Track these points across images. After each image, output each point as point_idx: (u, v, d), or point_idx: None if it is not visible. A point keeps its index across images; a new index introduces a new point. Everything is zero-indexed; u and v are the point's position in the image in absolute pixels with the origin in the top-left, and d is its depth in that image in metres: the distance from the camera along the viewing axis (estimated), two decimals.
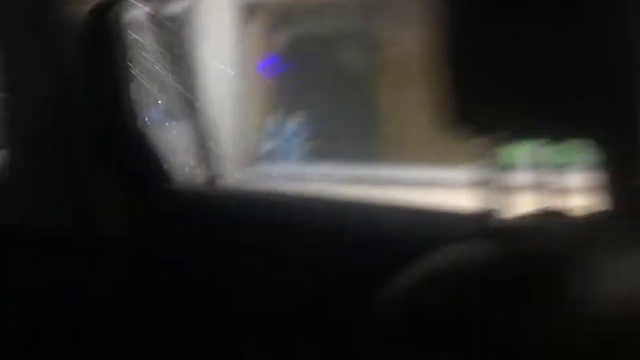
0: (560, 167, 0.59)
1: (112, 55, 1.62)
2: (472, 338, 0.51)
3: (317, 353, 1.20)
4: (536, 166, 0.60)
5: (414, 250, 0.59)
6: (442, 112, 0.57)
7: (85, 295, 1.59)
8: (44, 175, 1.66)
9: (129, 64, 1.66)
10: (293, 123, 4.89)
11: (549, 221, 0.59)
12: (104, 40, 1.60)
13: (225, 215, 1.49)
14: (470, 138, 0.58)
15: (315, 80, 4.95)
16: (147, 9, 1.65)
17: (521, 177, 0.61)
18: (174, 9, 2.39)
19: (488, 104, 0.56)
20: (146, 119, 1.79)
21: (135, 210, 1.59)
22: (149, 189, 1.60)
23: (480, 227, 0.59)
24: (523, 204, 0.60)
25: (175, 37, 1.86)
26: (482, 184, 0.59)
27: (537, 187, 0.60)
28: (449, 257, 0.57)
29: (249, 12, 4.88)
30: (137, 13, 1.73)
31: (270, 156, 4.83)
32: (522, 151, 0.59)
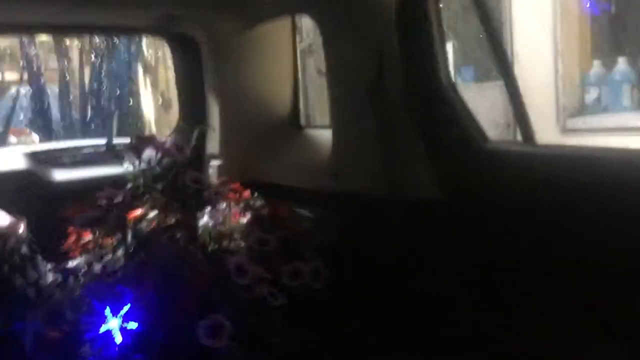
0: None
1: (423, 21, 1.67)
2: None
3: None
4: None
5: None
6: None
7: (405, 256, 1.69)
8: (366, 144, 1.80)
9: (440, 27, 1.69)
10: (622, 67, 4.40)
11: None
12: (413, 8, 1.66)
13: (541, 174, 1.45)
14: None
15: None
16: None
17: None
18: None
19: None
20: (458, 80, 1.82)
21: (450, 171, 1.64)
22: (463, 149, 1.63)
23: None
24: None
25: None
26: None
27: None
28: None
29: None
30: None
31: (596, 106, 4.43)
32: None
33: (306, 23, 2.34)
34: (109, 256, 1.54)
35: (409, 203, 1.71)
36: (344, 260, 1.89)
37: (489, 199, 1.56)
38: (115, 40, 6.15)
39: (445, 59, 1.71)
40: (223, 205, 1.82)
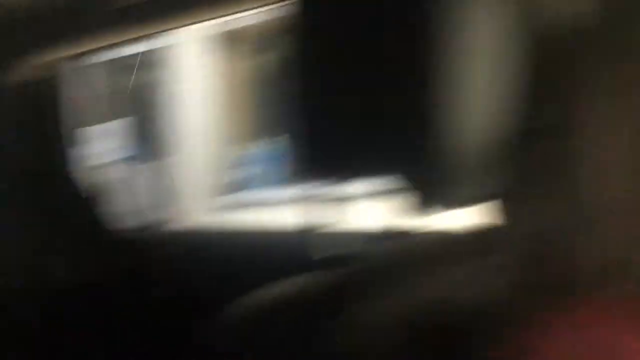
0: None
1: (57, 107, 1.65)
2: None
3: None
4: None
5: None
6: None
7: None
8: None
9: (75, 112, 1.70)
10: (269, 148, 4.92)
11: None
12: (47, 96, 1.64)
13: (162, 256, 1.54)
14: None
15: (293, 102, 4.98)
16: (106, 53, 1.69)
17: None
18: (138, 48, 2.42)
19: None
20: (103, 164, 1.83)
21: (85, 258, 1.62)
22: (97, 235, 1.63)
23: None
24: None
25: (135, 79, 1.90)
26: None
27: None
28: (283, 288, 0.73)
29: (222, 40, 4.91)
30: (96, 58, 1.77)
31: (245, 183, 4.85)
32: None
33: None
34: None
35: (43, 294, 1.64)
36: None
37: (131, 285, 1.59)
38: None
39: (78, 144, 1.72)
40: None
